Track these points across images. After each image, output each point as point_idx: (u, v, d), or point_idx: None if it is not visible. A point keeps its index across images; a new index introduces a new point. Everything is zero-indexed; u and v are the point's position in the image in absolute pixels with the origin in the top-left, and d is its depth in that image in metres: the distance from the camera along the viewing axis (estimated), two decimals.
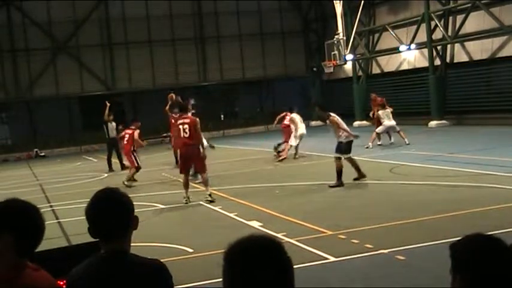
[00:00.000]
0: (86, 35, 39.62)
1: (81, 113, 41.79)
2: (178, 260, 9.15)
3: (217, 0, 41.73)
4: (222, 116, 40.55)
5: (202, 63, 42.33)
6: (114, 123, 23.64)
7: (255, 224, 11.33)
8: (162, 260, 3.04)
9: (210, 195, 14.46)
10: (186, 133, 14.38)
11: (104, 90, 39.46)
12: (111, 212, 2.96)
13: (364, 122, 35.98)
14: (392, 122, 23.53)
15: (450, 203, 11.59)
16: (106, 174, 22.46)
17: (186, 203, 14.23)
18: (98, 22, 40.09)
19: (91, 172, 23.77)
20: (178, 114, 16.22)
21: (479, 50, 29.85)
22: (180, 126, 14.52)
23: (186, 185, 14.53)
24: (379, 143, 23.49)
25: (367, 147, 22.19)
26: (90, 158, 31.26)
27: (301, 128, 21.67)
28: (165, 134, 40.17)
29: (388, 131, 23.78)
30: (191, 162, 14.88)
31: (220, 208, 13.38)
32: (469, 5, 29.22)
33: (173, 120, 18.68)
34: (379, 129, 23.54)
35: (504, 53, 28.46)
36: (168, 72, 41.09)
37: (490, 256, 2.39)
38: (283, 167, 20.13)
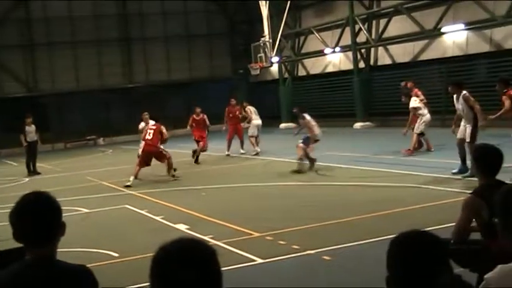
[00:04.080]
0: (5, 35, 38.38)
1: (0, 115, 40.45)
2: (104, 265, 8.97)
3: (142, 0, 41.28)
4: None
5: (127, 65, 41.79)
6: (33, 126, 22.96)
7: (182, 227, 11.23)
8: (87, 266, 2.96)
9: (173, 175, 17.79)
10: (150, 135, 17.83)
11: (24, 92, 38.48)
12: (38, 215, 2.87)
13: (291, 124, 36.27)
14: (260, 121, 23.39)
15: (375, 203, 11.79)
16: (27, 179, 21.85)
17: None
18: (18, 22, 38.96)
19: (12, 176, 23.05)
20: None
21: (402, 53, 30.59)
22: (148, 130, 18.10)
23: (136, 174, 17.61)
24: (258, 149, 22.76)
25: (255, 154, 22.15)
26: (11, 162, 30.33)
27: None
28: (88, 137, 39.62)
29: (254, 132, 23.02)
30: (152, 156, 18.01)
31: (146, 211, 13.21)
32: (391, 9, 29.89)
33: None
34: (252, 131, 22.99)
35: (425, 56, 29.25)
36: (93, 73, 40.35)
37: (413, 252, 2.45)
38: (209, 169, 20.06)
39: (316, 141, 17.73)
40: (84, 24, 40.02)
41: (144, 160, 18.00)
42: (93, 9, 40.30)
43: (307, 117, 17.85)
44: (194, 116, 22.53)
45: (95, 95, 40.03)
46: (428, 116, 18.67)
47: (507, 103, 13.25)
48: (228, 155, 22.79)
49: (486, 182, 5.21)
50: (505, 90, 13.45)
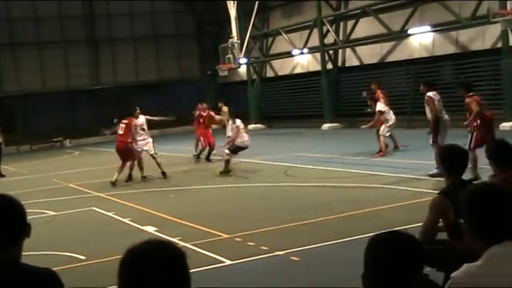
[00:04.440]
0: None
1: None
2: (70, 268, 8.87)
3: (109, 0, 40.92)
4: (114, 120, 39.83)
5: (94, 66, 41.42)
6: None
7: (150, 229, 11.16)
8: (53, 269, 2.93)
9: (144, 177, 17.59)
10: (121, 131, 17.56)
11: None
12: (1, 218, 2.83)
13: (259, 125, 36.34)
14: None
15: (343, 204, 11.84)
16: None
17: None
18: None
19: None
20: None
21: (370, 54, 30.80)
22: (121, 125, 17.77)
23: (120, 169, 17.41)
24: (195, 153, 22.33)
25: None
26: None
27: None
28: (55, 139, 39.15)
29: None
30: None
31: (114, 213, 13.09)
32: (359, 10, 30.08)
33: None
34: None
35: (392, 57, 29.50)
36: (59, 74, 39.88)
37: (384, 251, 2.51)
38: (176, 171, 19.96)
39: (241, 148, 17.89)
40: (50, 24, 39.52)
41: (121, 158, 17.61)
42: (59, 9, 39.81)
43: (238, 123, 17.88)
44: (201, 112, 21.96)
45: (61, 97, 39.61)
46: (393, 119, 18.78)
47: (474, 108, 13.32)
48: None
49: (453, 182, 5.28)
50: (470, 94, 13.55)
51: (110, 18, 41.36)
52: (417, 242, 2.58)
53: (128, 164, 17.76)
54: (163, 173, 18.12)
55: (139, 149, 17.99)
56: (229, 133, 22.48)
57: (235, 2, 32.86)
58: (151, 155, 18.24)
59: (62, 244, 10.68)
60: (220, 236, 10.16)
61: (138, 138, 18.12)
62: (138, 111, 18.59)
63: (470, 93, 13.50)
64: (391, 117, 18.72)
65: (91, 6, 40.93)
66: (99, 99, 40.28)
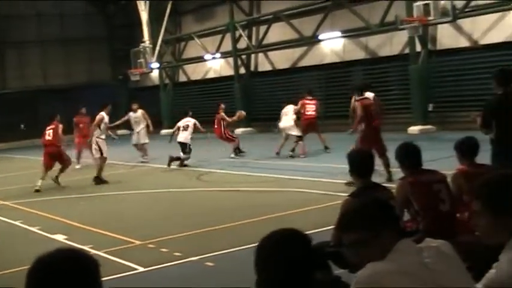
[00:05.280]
0: None
1: None
2: None
3: (15, 0, 39.45)
4: (22, 125, 38.66)
5: (0, 70, 40.05)
6: None
7: (60, 237, 10.84)
8: None
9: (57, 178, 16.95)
10: (50, 136, 17.10)
11: None
12: None
13: (171, 130, 35.98)
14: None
15: (257, 208, 11.87)
16: None
17: None
18: None
19: None
20: None
21: (282, 59, 31.15)
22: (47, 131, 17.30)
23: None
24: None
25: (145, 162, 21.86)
26: None
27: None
28: None
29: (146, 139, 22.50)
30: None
31: (20, 222, 12.62)
32: (271, 16, 30.37)
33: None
34: (145, 139, 22.49)
35: (304, 62, 29.93)
36: None
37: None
38: (86, 177, 19.51)
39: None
40: None
41: (48, 163, 17.20)
42: None
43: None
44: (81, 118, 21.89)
45: None
46: (281, 125, 19.65)
47: (359, 111, 13.71)
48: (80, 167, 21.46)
49: (362, 184, 5.38)
50: (361, 98, 13.93)
51: (15, 19, 39.93)
52: (308, 238, 2.62)
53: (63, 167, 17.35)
54: (97, 178, 17.57)
55: (96, 155, 17.79)
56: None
57: (147, 3, 32.55)
58: (101, 157, 17.81)
59: None
60: (133, 242, 9.99)
61: (101, 136, 17.95)
62: (110, 107, 18.64)
63: (360, 97, 13.87)
64: (282, 122, 19.50)
65: None
66: (5, 105, 38.93)
